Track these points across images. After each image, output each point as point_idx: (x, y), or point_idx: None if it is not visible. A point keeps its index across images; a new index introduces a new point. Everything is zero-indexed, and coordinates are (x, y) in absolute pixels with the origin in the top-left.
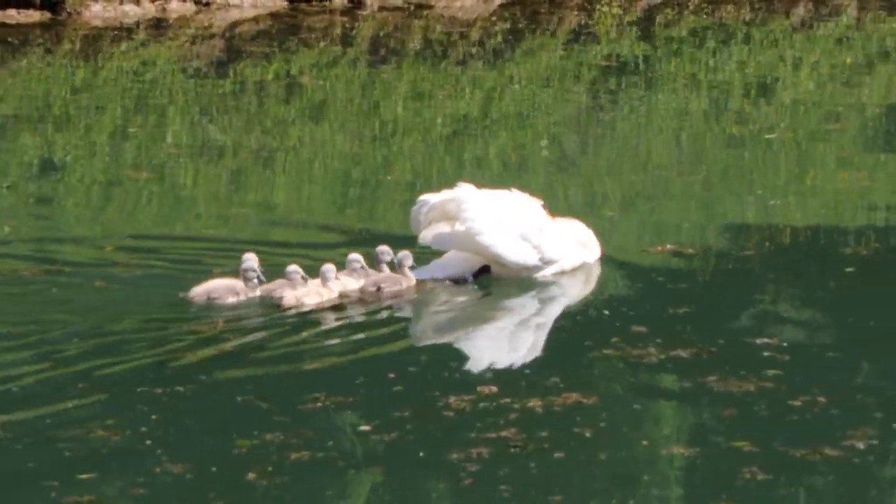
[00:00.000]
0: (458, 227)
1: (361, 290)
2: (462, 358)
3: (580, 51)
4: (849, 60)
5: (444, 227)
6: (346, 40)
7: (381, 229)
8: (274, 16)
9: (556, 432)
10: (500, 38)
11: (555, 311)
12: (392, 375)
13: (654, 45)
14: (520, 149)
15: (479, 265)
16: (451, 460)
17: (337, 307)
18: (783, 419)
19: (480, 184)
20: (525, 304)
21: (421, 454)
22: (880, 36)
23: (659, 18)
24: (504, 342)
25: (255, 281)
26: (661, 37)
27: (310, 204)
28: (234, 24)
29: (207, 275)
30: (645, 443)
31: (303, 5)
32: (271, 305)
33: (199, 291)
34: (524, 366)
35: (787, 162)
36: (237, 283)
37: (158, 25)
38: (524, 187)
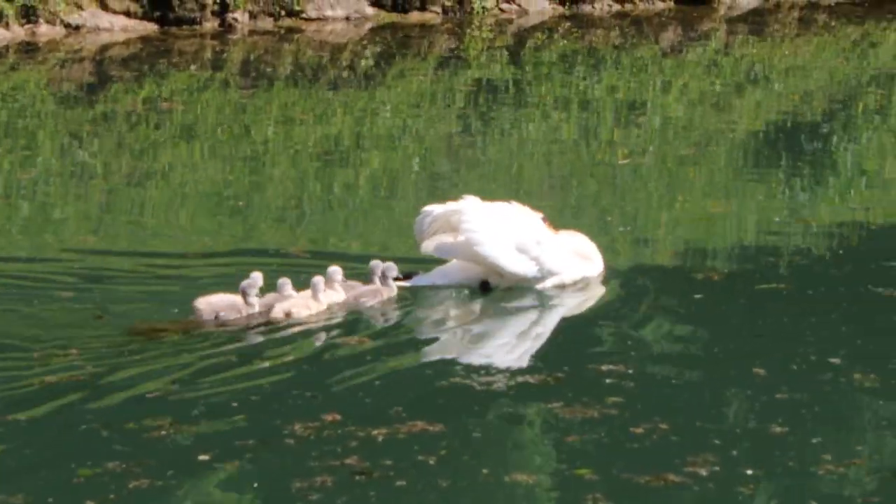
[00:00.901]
0: (460, 237)
1: (344, 303)
2: (305, 385)
3: (451, 75)
4: (718, 84)
5: (446, 237)
6: (217, 64)
7: (252, 249)
8: (144, 39)
9: (400, 460)
10: (371, 61)
11: (404, 339)
12: (235, 404)
13: (523, 69)
14: (391, 172)
15: (478, 274)
16: (293, 489)
17: (209, 332)
18: (626, 446)
19: (350, 207)
20: (378, 329)
21: (256, 484)
22: (749, 61)
23: (529, 43)
24: (349, 369)
25: (254, 298)
26: (531, 61)
27: (180, 227)
28: (105, 48)
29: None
30: (486, 471)
31: (173, 29)
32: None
33: (205, 306)
34: (369, 393)
35: (658, 186)
36: (238, 300)
37: (28, 49)
38: (394, 211)
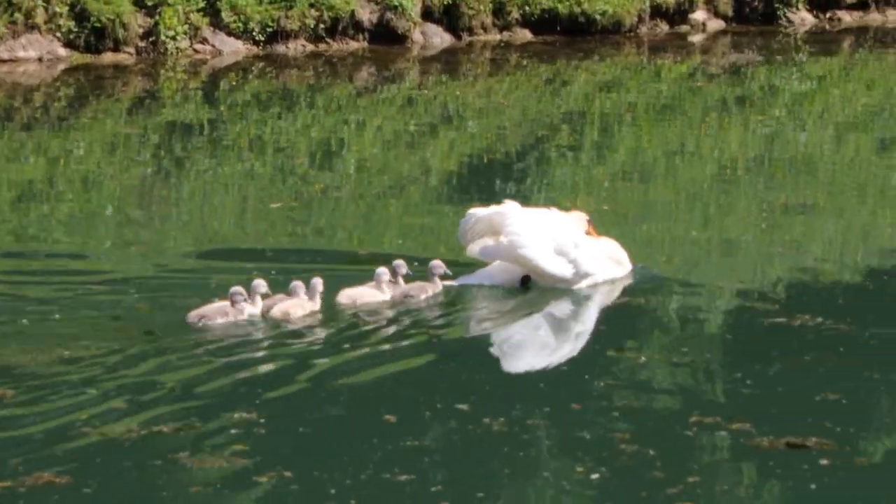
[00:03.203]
0: (502, 239)
1: (392, 300)
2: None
3: (145, 116)
4: (412, 124)
5: (489, 241)
6: None
7: None
8: None
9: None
10: (64, 102)
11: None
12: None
13: (218, 110)
14: (85, 215)
15: (520, 275)
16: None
17: None
18: (252, 493)
19: (41, 255)
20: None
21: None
22: (442, 100)
23: (223, 83)
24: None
25: (242, 304)
26: (226, 101)
27: None
28: None
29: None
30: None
31: None
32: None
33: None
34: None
35: (357, 223)
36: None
37: None
38: (92, 254)
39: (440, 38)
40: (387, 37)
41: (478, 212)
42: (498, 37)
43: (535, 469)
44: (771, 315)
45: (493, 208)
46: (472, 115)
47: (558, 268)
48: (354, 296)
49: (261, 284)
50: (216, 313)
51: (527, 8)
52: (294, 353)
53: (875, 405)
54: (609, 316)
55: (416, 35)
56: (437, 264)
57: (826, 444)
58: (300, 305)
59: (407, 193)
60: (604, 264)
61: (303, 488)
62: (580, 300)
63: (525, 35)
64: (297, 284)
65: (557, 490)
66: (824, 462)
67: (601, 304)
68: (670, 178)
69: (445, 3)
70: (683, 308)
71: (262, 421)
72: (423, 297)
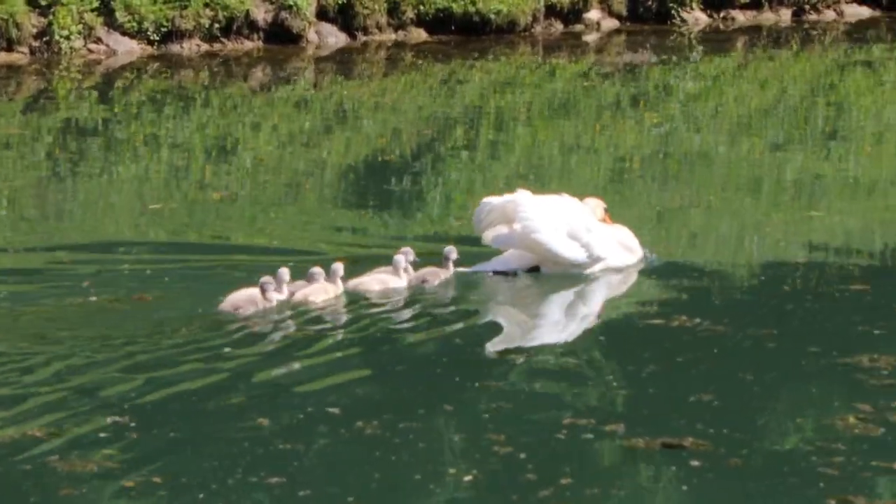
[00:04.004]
0: (516, 226)
1: (409, 285)
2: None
3: (40, 116)
4: (307, 123)
5: (503, 229)
6: None
7: None
8: None
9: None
10: None
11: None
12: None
13: (112, 110)
14: None
15: (531, 263)
16: None
17: None
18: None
19: None
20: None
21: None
22: (338, 99)
23: (118, 83)
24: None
25: (272, 293)
26: (121, 101)
27: None
28: None
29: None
30: None
31: None
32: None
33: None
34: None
35: (252, 223)
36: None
37: None
38: None
39: (335, 37)
40: (282, 36)
41: (492, 200)
42: (393, 36)
43: (407, 472)
44: (649, 317)
45: (506, 197)
46: (367, 114)
47: (571, 252)
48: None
49: (285, 273)
50: (247, 303)
51: (421, 7)
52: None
53: (748, 406)
54: (481, 319)
55: (311, 35)
56: (451, 250)
57: (701, 444)
58: (323, 290)
59: (302, 192)
60: (615, 250)
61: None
62: (451, 301)
63: (420, 35)
64: (317, 270)
65: (428, 493)
66: (698, 463)
67: (472, 305)
68: (565, 176)
69: (340, 2)
70: (559, 309)
71: (133, 425)
72: (436, 282)
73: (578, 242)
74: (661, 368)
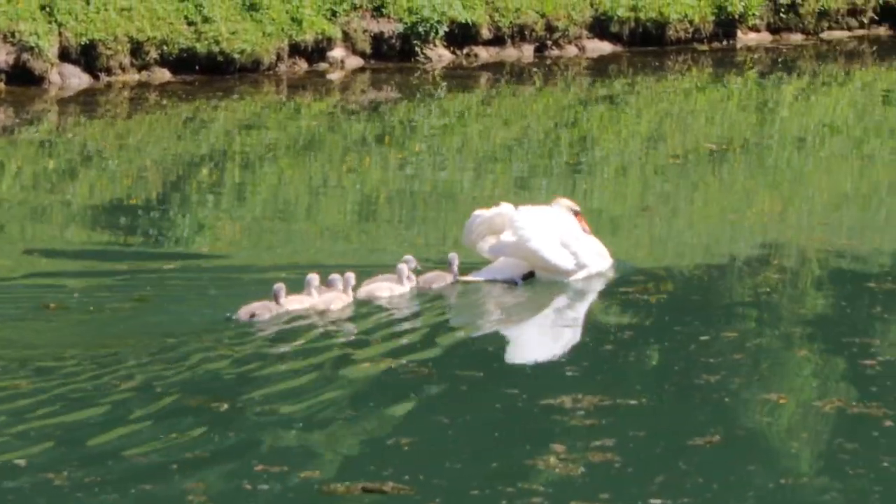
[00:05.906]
0: (510, 236)
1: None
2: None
3: None
4: (52, 164)
5: (493, 240)
6: None
7: None
8: None
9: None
10: None
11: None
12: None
13: None
14: None
15: (524, 270)
16: None
17: None
18: None
19: None
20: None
21: None
22: (82, 140)
23: None
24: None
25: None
26: None
27: None
28: None
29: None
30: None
31: None
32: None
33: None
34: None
35: None
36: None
37: None
38: None
39: (78, 78)
40: (23, 78)
41: (482, 213)
42: (137, 77)
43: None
44: (356, 361)
45: (493, 210)
46: (111, 155)
47: (562, 260)
48: (374, 289)
49: (314, 278)
50: (264, 309)
51: (165, 48)
52: None
53: (444, 448)
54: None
55: (54, 76)
56: (454, 256)
57: (402, 488)
58: (340, 298)
59: (49, 233)
60: (595, 257)
61: None
62: None
63: (164, 75)
64: (335, 277)
65: None
66: None
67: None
68: (312, 215)
69: (82, 43)
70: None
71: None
72: (439, 285)
73: (568, 250)
74: (358, 413)
